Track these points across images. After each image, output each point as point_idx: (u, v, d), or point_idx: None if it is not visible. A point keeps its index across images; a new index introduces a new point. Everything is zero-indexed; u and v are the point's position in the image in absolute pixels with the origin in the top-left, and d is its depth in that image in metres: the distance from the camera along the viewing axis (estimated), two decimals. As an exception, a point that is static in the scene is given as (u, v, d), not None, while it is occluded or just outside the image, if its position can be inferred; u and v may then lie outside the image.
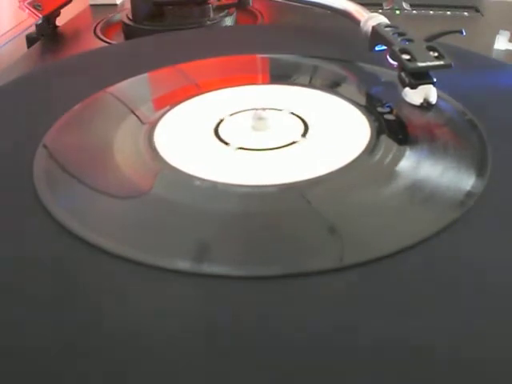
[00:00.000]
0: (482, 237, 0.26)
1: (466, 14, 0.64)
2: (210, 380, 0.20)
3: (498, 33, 0.53)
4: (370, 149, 0.32)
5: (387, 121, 0.35)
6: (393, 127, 0.34)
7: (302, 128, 0.35)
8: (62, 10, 0.62)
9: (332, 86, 0.40)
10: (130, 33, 0.59)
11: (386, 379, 0.20)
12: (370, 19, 0.43)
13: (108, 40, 0.58)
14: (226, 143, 0.33)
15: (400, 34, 0.39)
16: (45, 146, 0.33)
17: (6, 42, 0.62)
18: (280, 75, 0.43)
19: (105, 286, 0.24)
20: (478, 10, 0.65)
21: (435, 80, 0.36)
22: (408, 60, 0.36)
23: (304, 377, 0.20)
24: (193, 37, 0.52)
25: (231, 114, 0.36)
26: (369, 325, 0.22)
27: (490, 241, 0.26)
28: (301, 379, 0.20)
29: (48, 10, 0.59)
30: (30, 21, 0.61)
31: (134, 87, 0.41)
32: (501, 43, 0.52)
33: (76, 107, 0.38)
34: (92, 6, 0.69)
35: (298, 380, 0.20)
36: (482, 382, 0.20)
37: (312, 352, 0.21)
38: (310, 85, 0.41)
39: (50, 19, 0.60)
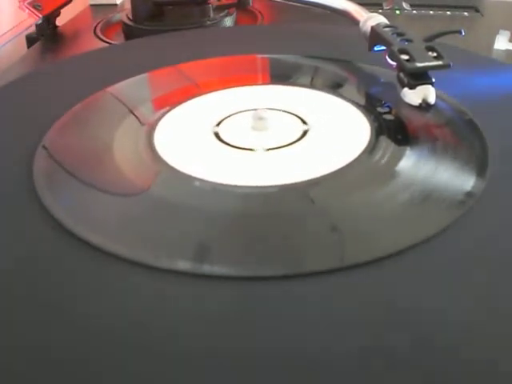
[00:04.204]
0: (482, 236, 0.26)
1: (465, 14, 0.64)
2: (209, 380, 0.20)
3: (498, 33, 0.53)
4: (370, 149, 0.32)
5: (387, 121, 0.35)
6: (393, 127, 0.34)
7: (301, 128, 0.35)
8: (62, 10, 0.62)
9: (332, 86, 0.40)
10: (130, 33, 0.59)
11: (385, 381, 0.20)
12: (369, 19, 0.43)
13: (108, 40, 0.58)
14: (227, 144, 0.33)
15: (399, 34, 0.39)
16: (44, 147, 0.33)
17: (6, 42, 0.62)
18: (280, 75, 0.43)
19: (105, 286, 0.24)
20: (477, 10, 0.65)
21: (434, 80, 0.36)
22: (407, 60, 0.36)
23: (304, 377, 0.20)
24: (193, 37, 0.52)
25: (231, 115, 0.36)
26: (369, 325, 0.22)
27: (490, 241, 0.26)
28: (301, 379, 0.20)
29: (48, 10, 0.59)
30: (30, 21, 0.61)
31: (134, 87, 0.41)
32: (501, 43, 0.52)
33: (76, 107, 0.38)
34: (92, 5, 0.69)
35: (299, 380, 0.20)
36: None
37: (312, 352, 0.21)
38: (310, 85, 0.41)
39: (50, 19, 0.60)
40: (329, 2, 0.50)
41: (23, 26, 0.65)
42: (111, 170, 0.31)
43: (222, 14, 0.60)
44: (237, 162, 0.32)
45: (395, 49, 0.37)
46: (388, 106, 0.37)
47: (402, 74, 0.36)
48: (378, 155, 0.31)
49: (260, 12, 0.64)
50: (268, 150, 0.33)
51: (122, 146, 0.33)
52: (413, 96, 0.36)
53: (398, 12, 0.65)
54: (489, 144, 0.32)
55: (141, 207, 0.29)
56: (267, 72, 0.46)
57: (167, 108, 0.37)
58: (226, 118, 0.36)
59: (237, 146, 0.33)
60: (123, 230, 0.27)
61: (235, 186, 0.29)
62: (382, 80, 0.40)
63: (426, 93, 0.36)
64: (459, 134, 0.34)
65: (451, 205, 0.28)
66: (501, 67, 0.43)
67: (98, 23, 0.62)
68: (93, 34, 0.60)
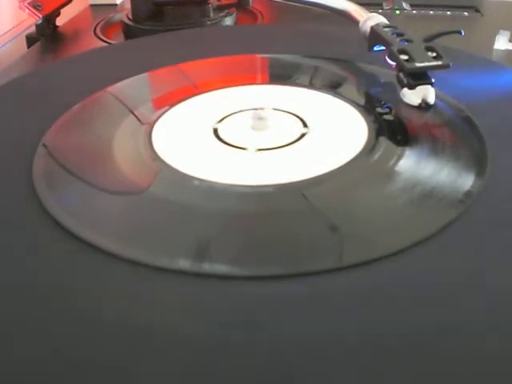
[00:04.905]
0: (482, 236, 0.26)
1: (465, 14, 0.64)
2: (209, 380, 0.20)
3: (498, 33, 0.53)
4: (369, 149, 0.32)
5: (386, 121, 0.35)
6: (391, 127, 0.34)
7: (301, 128, 0.35)
8: (62, 10, 0.62)
9: (331, 86, 0.40)
10: (130, 33, 0.59)
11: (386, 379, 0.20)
12: (368, 19, 0.43)
13: (108, 40, 0.59)
14: (226, 143, 0.34)
15: (399, 35, 0.39)
16: (45, 146, 0.33)
17: (6, 42, 0.62)
18: (280, 75, 0.43)
19: (105, 286, 0.24)
20: (478, 10, 0.65)
21: (433, 80, 0.36)
22: (406, 60, 0.36)
23: (304, 377, 0.20)
24: (193, 37, 0.52)
25: (231, 114, 0.36)
26: (368, 325, 0.22)
27: (489, 240, 0.26)
28: (301, 379, 0.20)
29: (48, 10, 0.59)
30: (30, 21, 0.61)
31: (134, 87, 0.41)
32: (501, 43, 0.52)
33: (76, 107, 0.38)
34: (92, 6, 0.69)
35: (298, 380, 0.20)
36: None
37: (312, 352, 0.21)
38: (310, 85, 0.41)
39: (50, 19, 0.60)
40: (329, 2, 0.50)
41: (23, 26, 0.65)
42: (111, 170, 0.31)
43: (221, 14, 0.60)
44: (236, 161, 0.32)
45: (395, 49, 0.37)
46: (387, 106, 0.37)
47: (401, 74, 0.36)
48: (376, 155, 0.31)
49: (260, 12, 0.64)
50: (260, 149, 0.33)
51: (121, 145, 0.33)
52: (412, 96, 0.36)
53: (397, 12, 0.65)
54: (488, 144, 0.32)
55: (140, 206, 0.29)
56: (267, 72, 0.46)
57: (166, 107, 0.37)
58: (226, 117, 0.36)
59: (236, 145, 0.33)
60: (123, 230, 0.27)
61: (234, 186, 0.29)
62: (382, 80, 0.40)
63: (425, 93, 0.36)
64: (458, 134, 0.34)
65: (450, 204, 0.28)
66: (500, 68, 0.43)
67: (98, 23, 0.62)
68: (93, 34, 0.60)
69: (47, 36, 0.59)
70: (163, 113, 0.37)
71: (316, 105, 0.38)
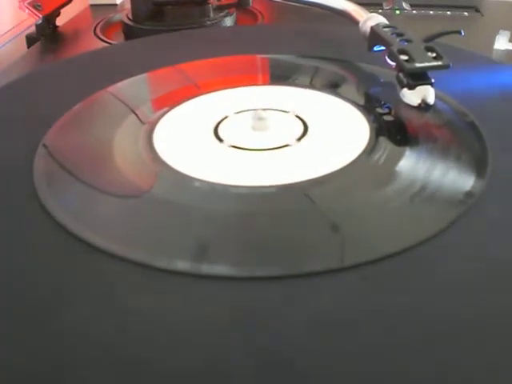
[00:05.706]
0: (482, 236, 0.26)
1: (465, 14, 0.64)
2: (209, 380, 0.20)
3: (498, 33, 0.53)
4: (370, 149, 0.32)
5: (386, 121, 0.35)
6: (392, 128, 0.34)
7: (301, 128, 0.35)
8: (62, 10, 0.62)
9: (331, 87, 0.40)
10: (130, 33, 0.59)
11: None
12: (368, 19, 0.43)
13: (108, 40, 0.59)
14: (227, 144, 0.34)
15: (398, 35, 0.39)
16: (45, 146, 0.33)
17: (6, 42, 0.62)
18: (280, 76, 0.43)
19: (104, 286, 0.24)
20: (478, 10, 0.65)
21: (433, 80, 0.36)
22: (406, 61, 0.36)
23: (303, 377, 0.20)
24: (193, 37, 0.52)
25: (231, 115, 0.36)
26: (369, 325, 0.22)
27: (489, 240, 0.26)
28: (301, 379, 0.20)
29: (48, 10, 0.59)
30: (30, 21, 0.61)
31: (134, 87, 0.41)
32: (501, 43, 0.52)
33: (76, 107, 0.38)
34: (92, 6, 0.69)
35: (298, 380, 0.20)
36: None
37: (311, 352, 0.21)
38: (310, 85, 0.41)
39: (50, 19, 0.60)
40: (329, 2, 0.50)
41: (23, 26, 0.65)
42: (111, 170, 0.31)
43: (221, 14, 0.60)
44: (237, 162, 0.32)
45: (394, 49, 0.37)
46: (387, 107, 0.37)
47: (401, 75, 0.36)
48: (377, 155, 0.31)
49: (260, 12, 0.64)
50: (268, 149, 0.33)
51: (122, 146, 0.33)
52: (412, 96, 0.36)
53: (397, 12, 0.65)
54: (488, 144, 0.32)
55: (140, 207, 0.29)
56: (267, 72, 0.46)
57: (167, 108, 0.38)
58: (226, 118, 0.36)
59: (237, 146, 0.33)
60: (123, 230, 0.27)
61: (235, 186, 0.29)
62: (382, 80, 0.40)
63: (425, 93, 0.36)
64: (458, 134, 0.34)
65: (451, 205, 0.28)
66: (500, 67, 0.43)
67: (98, 23, 0.62)
68: (93, 34, 0.60)
69: (47, 36, 0.59)
70: (164, 113, 0.37)
71: (317, 105, 0.38)
